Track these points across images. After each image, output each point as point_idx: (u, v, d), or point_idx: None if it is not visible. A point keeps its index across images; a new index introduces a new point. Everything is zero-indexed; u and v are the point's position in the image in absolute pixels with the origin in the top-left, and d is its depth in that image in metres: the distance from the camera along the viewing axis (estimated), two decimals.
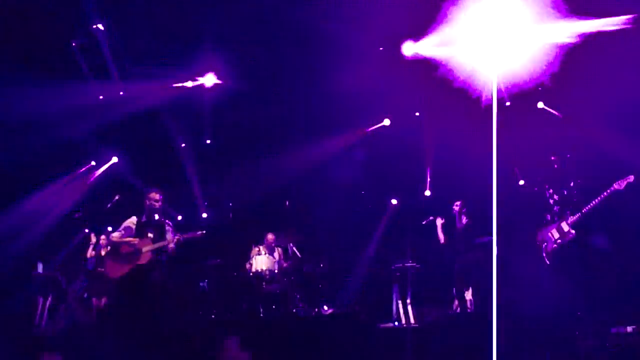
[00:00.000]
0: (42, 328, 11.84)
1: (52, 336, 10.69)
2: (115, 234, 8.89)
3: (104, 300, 12.02)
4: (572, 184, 8.40)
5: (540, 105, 13.19)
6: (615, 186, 8.06)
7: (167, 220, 9.09)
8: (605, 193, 8.07)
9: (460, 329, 7.44)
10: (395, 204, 14.63)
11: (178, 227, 9.27)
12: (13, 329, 11.19)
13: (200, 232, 9.20)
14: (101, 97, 14.39)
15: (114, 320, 9.53)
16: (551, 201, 8.50)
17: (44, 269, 12.62)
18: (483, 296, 10.66)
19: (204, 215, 14.30)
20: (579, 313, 7.78)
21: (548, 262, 8.33)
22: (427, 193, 12.84)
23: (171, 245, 8.79)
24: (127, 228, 8.89)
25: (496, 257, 10.83)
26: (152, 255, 8.70)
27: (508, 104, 12.88)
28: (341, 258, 14.99)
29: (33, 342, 9.05)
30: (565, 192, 8.43)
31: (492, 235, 10.97)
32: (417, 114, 14.34)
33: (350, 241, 14.99)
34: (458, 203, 11.13)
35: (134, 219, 8.95)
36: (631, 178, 8.03)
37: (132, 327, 8.26)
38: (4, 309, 11.99)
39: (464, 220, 10.94)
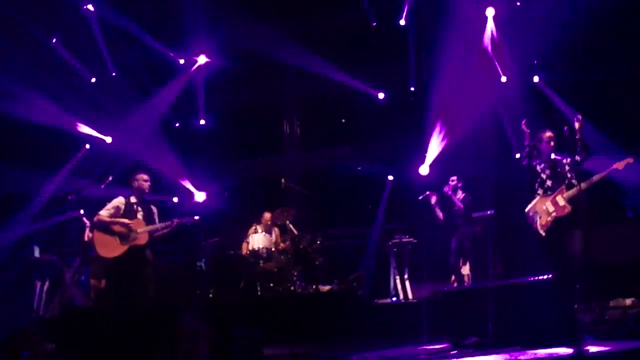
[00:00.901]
0: (41, 312, 11.85)
1: (51, 320, 10.67)
2: (104, 212, 8.81)
3: (102, 282, 12.01)
4: (565, 160, 8.34)
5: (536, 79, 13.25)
6: (615, 166, 8.01)
7: (152, 205, 9.10)
8: (604, 172, 8.02)
9: (458, 304, 7.41)
10: (391, 180, 14.60)
11: (173, 210, 9.28)
12: (12, 314, 11.25)
13: (195, 217, 9.18)
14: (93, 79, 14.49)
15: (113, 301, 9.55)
16: (543, 175, 8.45)
17: (40, 252, 12.59)
18: (481, 270, 10.71)
19: (202, 196, 14.26)
20: (577, 285, 7.78)
21: (543, 234, 8.28)
22: (425, 170, 12.74)
23: (165, 230, 8.83)
24: (116, 207, 8.83)
25: (494, 231, 10.99)
26: (149, 236, 8.71)
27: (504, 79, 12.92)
28: (339, 234, 15.06)
29: (32, 327, 9.04)
30: (559, 169, 8.37)
31: (489, 209, 11.15)
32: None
33: (348, 217, 15.03)
34: (454, 178, 11.08)
35: (121, 199, 8.90)
36: (631, 159, 7.98)
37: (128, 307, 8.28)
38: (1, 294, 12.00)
39: (461, 194, 10.90)
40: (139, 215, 8.82)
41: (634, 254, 9.73)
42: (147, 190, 9.01)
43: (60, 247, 12.40)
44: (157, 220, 8.93)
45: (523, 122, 8.44)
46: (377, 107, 14.78)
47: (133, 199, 8.95)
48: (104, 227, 8.77)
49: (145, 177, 9.01)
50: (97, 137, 14.43)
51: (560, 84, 13.09)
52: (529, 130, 8.38)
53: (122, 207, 8.87)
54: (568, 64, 12.88)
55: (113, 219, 8.74)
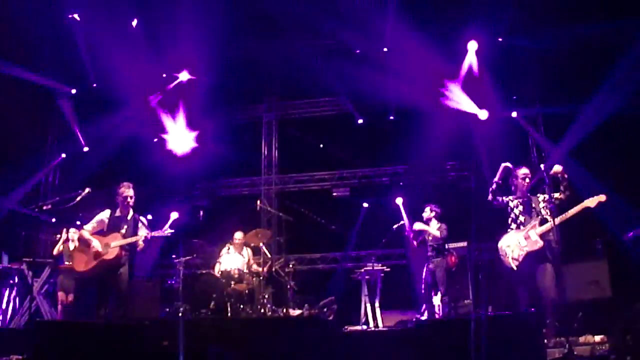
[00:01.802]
0: (6, 322, 11.69)
1: (16, 331, 10.53)
2: (87, 227, 8.80)
3: (70, 296, 11.89)
4: (541, 197, 8.47)
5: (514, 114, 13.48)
6: (587, 203, 8.13)
7: (140, 217, 9.03)
8: (575, 208, 8.13)
9: (429, 333, 7.42)
10: (366, 207, 14.68)
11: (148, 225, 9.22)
12: None
13: (168, 232, 9.13)
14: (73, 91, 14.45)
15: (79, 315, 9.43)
16: (517, 211, 8.56)
17: (9, 261, 12.44)
18: (452, 301, 10.74)
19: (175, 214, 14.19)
20: (547, 320, 7.85)
21: (515, 267, 8.36)
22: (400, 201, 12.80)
23: (140, 242, 8.74)
24: (100, 222, 8.84)
25: (468, 263, 11.06)
26: (120, 251, 8.62)
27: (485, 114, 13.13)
28: (311, 259, 15.08)
29: None
30: (533, 204, 8.49)
31: (463, 241, 11.22)
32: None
33: (322, 242, 15.06)
34: (427, 208, 11.12)
35: (107, 212, 8.89)
36: (603, 197, 8.12)
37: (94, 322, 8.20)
38: None
39: (436, 224, 10.94)
40: (123, 230, 8.77)
41: (604, 291, 9.85)
42: (130, 202, 8.95)
43: (29, 256, 12.25)
44: (141, 232, 8.85)
45: (506, 163, 8.58)
46: (356, 132, 14.95)
47: (118, 212, 8.90)
48: (84, 242, 8.74)
49: (127, 189, 8.96)
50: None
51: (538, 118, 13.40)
52: (505, 170, 8.53)
53: (107, 220, 8.84)
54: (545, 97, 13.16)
55: (89, 236, 8.71)
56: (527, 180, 8.63)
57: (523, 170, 8.67)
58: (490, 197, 8.63)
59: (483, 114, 13.22)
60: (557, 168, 8.16)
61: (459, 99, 13.04)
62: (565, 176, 8.21)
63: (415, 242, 11.08)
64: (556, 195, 8.19)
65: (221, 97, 15.38)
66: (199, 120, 15.59)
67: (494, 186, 8.57)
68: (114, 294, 8.55)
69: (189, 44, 13.86)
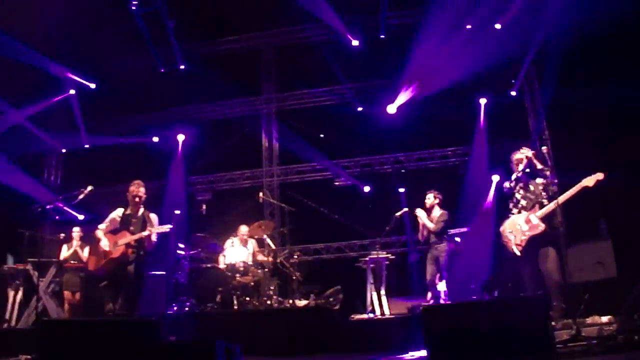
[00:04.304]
0: (13, 323, 11.71)
1: (24, 331, 10.55)
2: (101, 226, 8.90)
3: (77, 294, 11.92)
4: (539, 180, 8.48)
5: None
6: (585, 182, 8.11)
7: (150, 214, 9.03)
8: (573, 189, 8.12)
9: (435, 319, 7.43)
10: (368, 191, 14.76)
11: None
12: None
13: (167, 227, 9.11)
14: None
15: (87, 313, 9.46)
16: (517, 195, 8.57)
17: (14, 261, 12.46)
18: (456, 287, 10.76)
19: (177, 212, 14.21)
20: (554, 303, 7.87)
21: (518, 253, 8.38)
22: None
23: (153, 238, 8.75)
24: (112, 220, 8.90)
25: (470, 248, 11.08)
26: (125, 249, 8.64)
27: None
28: (316, 249, 15.11)
29: (4, 338, 8.94)
30: (532, 188, 8.50)
31: (465, 227, 11.23)
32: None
33: (326, 232, 15.08)
34: (429, 195, 11.09)
35: (119, 210, 8.95)
36: (601, 175, 8.08)
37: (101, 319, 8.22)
38: None
39: (438, 211, 10.92)
40: (132, 227, 8.79)
41: (609, 271, 9.84)
42: (139, 200, 8.97)
43: (34, 256, 12.25)
44: (150, 227, 8.86)
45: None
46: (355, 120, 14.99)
47: (129, 210, 8.93)
48: (97, 242, 8.81)
49: (136, 187, 9.00)
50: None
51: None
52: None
53: (119, 219, 8.88)
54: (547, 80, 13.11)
55: (101, 235, 8.78)
56: (522, 165, 8.63)
57: (516, 155, 8.69)
58: (508, 184, 8.67)
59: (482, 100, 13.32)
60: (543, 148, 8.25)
61: None
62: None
63: (423, 231, 11.03)
64: (540, 180, 8.27)
65: (219, 90, 15.39)
66: (197, 115, 15.66)
67: (520, 174, 8.60)
68: (122, 292, 8.57)
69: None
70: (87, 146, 15.56)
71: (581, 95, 11.69)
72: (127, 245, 8.65)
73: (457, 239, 11.45)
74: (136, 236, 8.70)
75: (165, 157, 15.61)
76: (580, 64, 12.06)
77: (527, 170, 8.67)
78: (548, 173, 8.45)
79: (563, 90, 12.36)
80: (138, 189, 8.97)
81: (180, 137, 15.76)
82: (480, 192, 12.51)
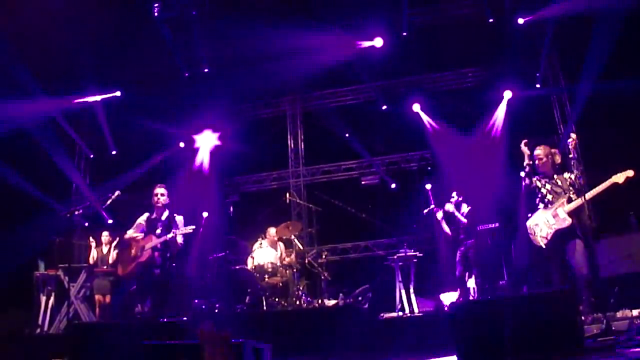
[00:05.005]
0: (46, 328, 11.87)
1: (56, 336, 10.69)
2: (129, 232, 9.03)
3: (107, 297, 12.03)
4: (567, 175, 8.40)
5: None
6: (614, 179, 8.01)
7: (176, 216, 9.09)
8: (603, 185, 8.02)
9: (464, 316, 7.40)
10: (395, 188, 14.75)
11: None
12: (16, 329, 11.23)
13: (190, 228, 9.12)
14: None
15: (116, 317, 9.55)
16: (544, 190, 8.49)
17: (45, 267, 12.62)
18: (487, 283, 10.70)
19: (205, 214, 14.25)
20: (583, 297, 7.78)
21: (543, 246, 8.30)
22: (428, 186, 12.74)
23: (178, 240, 8.80)
24: (139, 225, 8.99)
25: (499, 243, 10.99)
26: (152, 252, 8.71)
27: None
28: (344, 248, 15.12)
29: (37, 343, 9.06)
30: (560, 183, 8.41)
31: (494, 222, 11.15)
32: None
33: (353, 231, 15.08)
34: (454, 194, 11.05)
35: (145, 215, 9.05)
36: (631, 173, 7.98)
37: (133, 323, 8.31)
38: (7, 309, 12.01)
39: (465, 208, 10.89)
40: (158, 230, 8.88)
41: (639, 265, 9.75)
42: (162, 204, 9.05)
43: (64, 262, 12.41)
44: (176, 229, 8.91)
45: (523, 143, 8.50)
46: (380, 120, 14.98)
47: (154, 215, 9.01)
48: (126, 247, 8.97)
49: (160, 191, 9.07)
50: None
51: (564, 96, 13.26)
52: (529, 152, 8.44)
53: (144, 223, 8.97)
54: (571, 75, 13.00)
55: (131, 238, 8.91)
56: (544, 160, 8.53)
57: (536, 152, 8.59)
58: (526, 181, 8.58)
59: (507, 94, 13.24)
60: (572, 136, 8.15)
61: None
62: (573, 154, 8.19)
63: (447, 229, 10.98)
64: (567, 175, 8.20)
65: (244, 93, 15.47)
66: (224, 118, 15.70)
67: (527, 169, 8.50)
68: (150, 295, 8.66)
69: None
70: (114, 152, 15.71)
71: (607, 88, 11.61)
72: (154, 248, 8.72)
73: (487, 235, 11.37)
74: (161, 239, 8.76)
75: (191, 161, 15.67)
76: (607, 57, 11.92)
77: (541, 167, 8.57)
78: (574, 166, 8.35)
79: (589, 84, 12.25)
80: (159, 193, 9.03)
81: (207, 141, 15.79)
82: (507, 188, 12.41)
